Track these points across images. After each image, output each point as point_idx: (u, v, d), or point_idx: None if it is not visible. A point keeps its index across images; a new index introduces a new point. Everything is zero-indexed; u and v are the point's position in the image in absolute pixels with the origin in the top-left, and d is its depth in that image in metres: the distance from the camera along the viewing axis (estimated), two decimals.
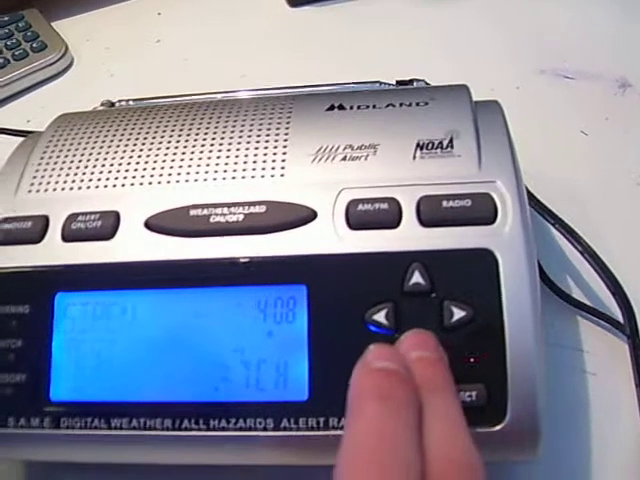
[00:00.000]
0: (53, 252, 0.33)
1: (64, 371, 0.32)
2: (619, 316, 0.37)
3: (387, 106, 0.36)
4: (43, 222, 0.34)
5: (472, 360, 0.29)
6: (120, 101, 0.43)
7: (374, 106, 0.36)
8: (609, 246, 0.39)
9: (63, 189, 0.35)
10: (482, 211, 0.31)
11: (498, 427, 0.29)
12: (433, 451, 0.24)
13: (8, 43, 0.58)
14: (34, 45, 0.57)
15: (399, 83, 0.42)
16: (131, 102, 0.43)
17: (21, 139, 0.40)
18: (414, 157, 0.33)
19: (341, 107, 0.36)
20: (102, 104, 0.43)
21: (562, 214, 0.40)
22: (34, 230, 0.34)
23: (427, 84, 0.42)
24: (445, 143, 0.34)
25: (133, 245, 0.33)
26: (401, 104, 0.36)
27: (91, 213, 0.34)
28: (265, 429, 0.30)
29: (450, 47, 0.55)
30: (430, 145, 0.34)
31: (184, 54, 0.58)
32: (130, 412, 0.31)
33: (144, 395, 0.31)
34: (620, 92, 0.49)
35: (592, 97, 0.49)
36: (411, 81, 0.42)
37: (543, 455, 0.30)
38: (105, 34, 0.61)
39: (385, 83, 0.41)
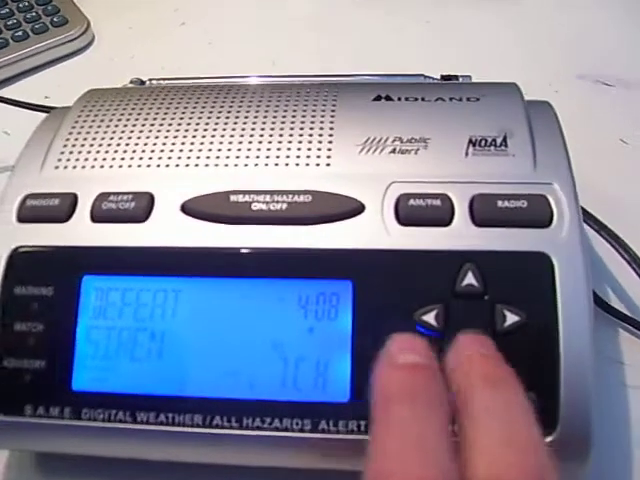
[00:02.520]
0: (81, 232, 0.32)
1: (88, 359, 0.30)
2: None
3: (436, 100, 0.35)
4: (71, 200, 0.32)
5: (524, 367, 0.28)
6: (151, 80, 0.41)
7: (422, 99, 0.35)
8: None
9: (93, 167, 0.34)
10: (538, 213, 0.30)
11: (547, 439, 0.27)
12: (484, 456, 0.21)
13: (27, 16, 0.56)
14: (55, 19, 0.56)
15: (444, 78, 0.40)
16: (162, 81, 0.41)
17: (38, 114, 0.38)
18: (466, 153, 0.32)
19: (388, 98, 0.35)
20: (131, 82, 0.41)
21: None
22: (61, 208, 0.32)
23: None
24: (499, 141, 0.32)
25: (168, 229, 0.31)
26: (451, 98, 0.35)
27: (123, 193, 0.32)
28: (302, 430, 0.28)
29: (487, 48, 0.54)
30: (483, 142, 0.32)
31: (209, 38, 0.56)
32: (157, 406, 0.29)
33: (173, 389, 0.29)
34: None
35: (632, 106, 0.48)
36: (456, 76, 0.40)
37: None
38: (128, 14, 0.59)
39: (429, 77, 0.40)
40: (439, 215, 0.30)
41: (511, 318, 0.28)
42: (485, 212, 0.30)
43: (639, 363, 0.36)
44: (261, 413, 0.29)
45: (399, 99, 0.35)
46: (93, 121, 0.36)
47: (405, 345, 0.24)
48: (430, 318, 0.28)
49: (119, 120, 0.35)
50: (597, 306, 0.37)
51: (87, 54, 0.56)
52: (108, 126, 0.35)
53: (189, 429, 0.29)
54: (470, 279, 0.29)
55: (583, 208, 0.38)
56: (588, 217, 0.38)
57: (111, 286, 0.31)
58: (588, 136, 0.46)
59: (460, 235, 0.30)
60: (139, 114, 0.35)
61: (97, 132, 0.35)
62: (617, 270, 0.39)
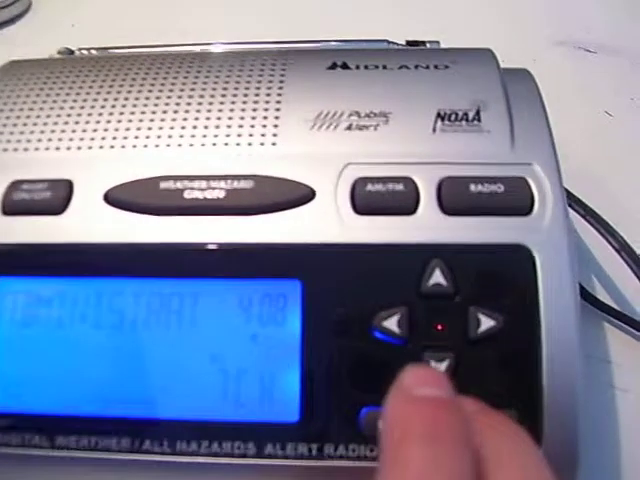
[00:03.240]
0: None
1: None
2: None
3: (400, 68, 0.31)
4: None
5: (501, 380, 0.25)
6: (81, 49, 0.37)
7: (384, 67, 0.31)
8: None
9: (6, 150, 0.30)
10: (517, 199, 0.27)
11: None
12: None
13: None
14: None
15: (410, 44, 0.36)
16: (93, 51, 0.37)
17: None
18: (434, 130, 0.28)
19: (345, 66, 0.31)
20: (59, 52, 0.37)
21: None
22: None
23: None
24: (471, 115, 0.29)
25: (89, 222, 0.27)
26: (416, 66, 0.31)
27: (39, 181, 0.28)
28: (245, 455, 0.25)
29: (456, 12, 0.49)
30: (453, 116, 0.29)
31: (158, 3, 0.51)
32: (79, 428, 0.26)
33: (97, 408, 0.26)
34: None
35: (616, 74, 0.44)
36: (423, 42, 0.36)
37: None
38: None
39: (394, 42, 0.35)
40: (402, 202, 0.26)
41: (486, 323, 0.25)
42: (455, 198, 0.26)
43: (628, 362, 0.33)
44: (197, 435, 0.25)
45: (357, 67, 0.31)
46: (8, 97, 0.31)
47: (422, 378, 0.21)
48: (391, 324, 0.25)
49: (37, 96, 0.31)
50: (582, 299, 0.34)
51: (23, 22, 0.52)
52: (25, 103, 0.31)
53: (115, 455, 0.25)
54: (438, 277, 0.25)
55: (566, 190, 0.35)
56: (571, 200, 0.34)
57: (24, 289, 0.27)
58: (570, 108, 0.43)
59: (426, 225, 0.26)
60: (61, 89, 0.31)
61: (12, 110, 0.31)
62: (604, 259, 0.36)
